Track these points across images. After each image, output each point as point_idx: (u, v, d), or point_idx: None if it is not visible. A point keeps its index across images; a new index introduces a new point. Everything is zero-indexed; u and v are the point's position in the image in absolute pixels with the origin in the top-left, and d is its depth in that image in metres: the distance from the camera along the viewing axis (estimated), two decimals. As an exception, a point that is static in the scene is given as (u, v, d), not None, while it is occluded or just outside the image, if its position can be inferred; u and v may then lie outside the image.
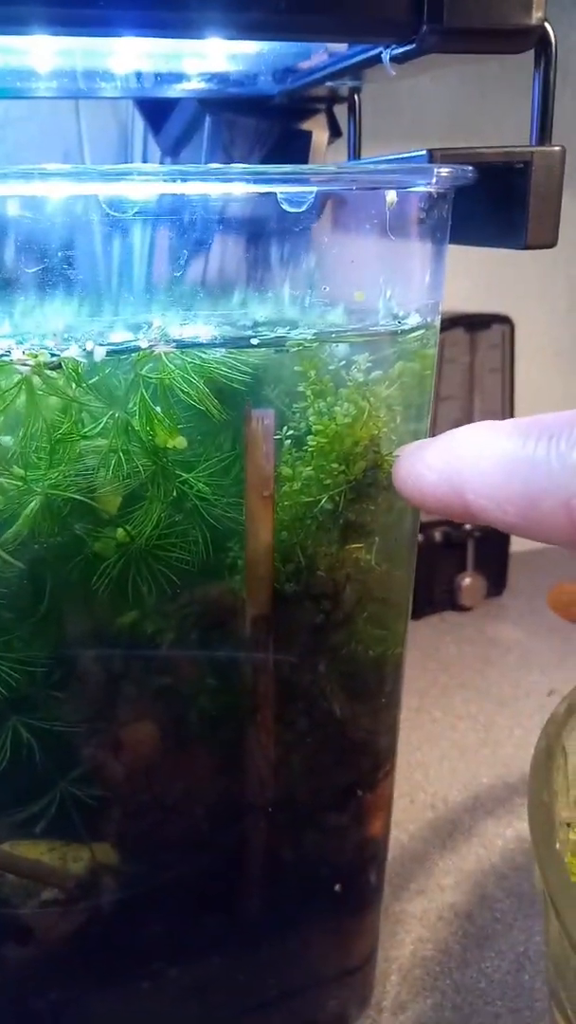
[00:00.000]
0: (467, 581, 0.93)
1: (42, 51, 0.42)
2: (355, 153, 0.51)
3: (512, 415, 0.93)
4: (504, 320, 0.90)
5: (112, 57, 0.43)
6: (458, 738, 0.73)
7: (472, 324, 0.88)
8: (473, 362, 0.88)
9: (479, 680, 0.82)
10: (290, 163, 0.55)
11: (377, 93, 0.50)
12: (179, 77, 0.46)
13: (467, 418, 0.89)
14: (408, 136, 0.91)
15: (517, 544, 1.01)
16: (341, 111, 0.55)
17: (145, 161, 0.71)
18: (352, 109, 0.51)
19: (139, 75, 0.46)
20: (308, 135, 0.54)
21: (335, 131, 0.55)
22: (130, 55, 0.43)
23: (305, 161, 0.54)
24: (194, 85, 0.48)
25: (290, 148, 0.54)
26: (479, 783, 0.67)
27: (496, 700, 0.78)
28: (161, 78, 0.46)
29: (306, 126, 0.54)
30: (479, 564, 0.94)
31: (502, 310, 0.90)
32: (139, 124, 0.71)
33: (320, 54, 0.42)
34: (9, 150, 0.79)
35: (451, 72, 0.87)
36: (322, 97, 0.52)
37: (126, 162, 0.77)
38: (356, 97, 0.50)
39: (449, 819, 0.63)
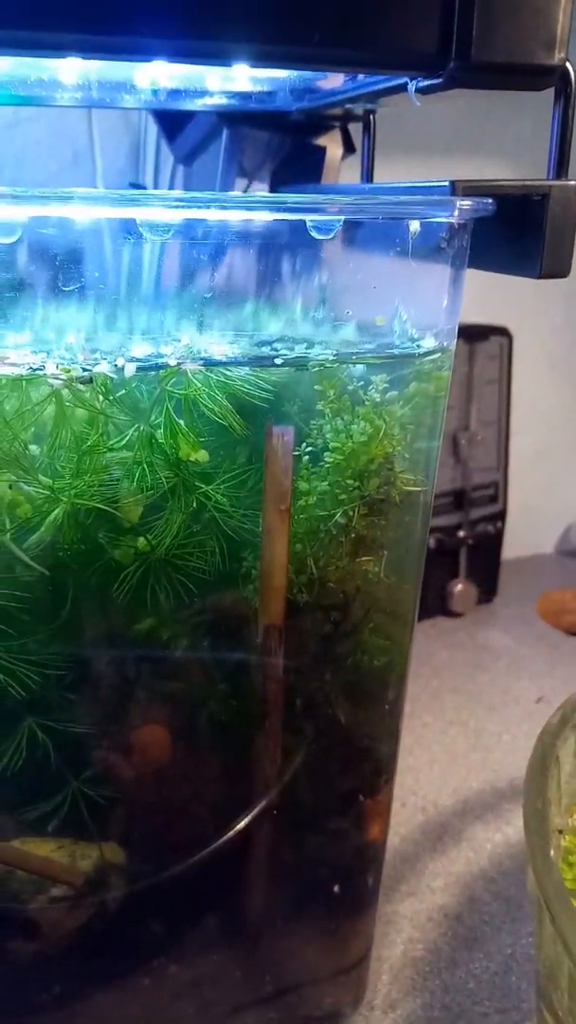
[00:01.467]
0: (459, 587, 0.95)
1: (67, 65, 0.43)
2: (368, 171, 0.52)
3: (508, 425, 0.95)
4: (503, 332, 0.91)
5: (137, 72, 0.44)
6: (448, 743, 0.74)
7: (471, 335, 0.89)
8: (471, 373, 0.89)
9: (470, 686, 0.83)
10: (304, 177, 0.56)
11: (381, 105, 0.51)
12: (202, 93, 0.47)
13: (464, 428, 0.90)
14: (412, 149, 0.92)
15: (508, 552, 1.02)
16: (355, 127, 0.56)
17: (157, 168, 0.72)
18: (367, 127, 0.52)
19: (162, 89, 0.47)
20: (322, 151, 0.55)
21: (349, 147, 0.56)
22: (156, 72, 0.43)
23: (319, 176, 0.55)
24: (215, 101, 0.49)
25: (304, 163, 0.55)
26: (469, 788, 0.68)
27: (486, 706, 0.80)
28: (183, 93, 0.47)
29: (321, 142, 0.55)
30: (471, 571, 0.95)
31: (501, 322, 0.92)
32: (152, 130, 0.72)
33: (339, 76, 0.43)
34: (17, 151, 0.80)
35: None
36: (337, 114, 0.53)
37: (137, 167, 0.77)
38: (371, 116, 0.51)
39: (439, 823, 0.64)
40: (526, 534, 1.13)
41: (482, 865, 0.60)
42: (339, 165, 0.56)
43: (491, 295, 0.95)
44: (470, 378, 0.90)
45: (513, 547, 1.07)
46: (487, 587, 0.98)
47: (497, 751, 0.73)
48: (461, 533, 0.93)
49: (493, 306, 0.94)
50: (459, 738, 0.75)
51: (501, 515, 0.97)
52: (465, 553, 0.94)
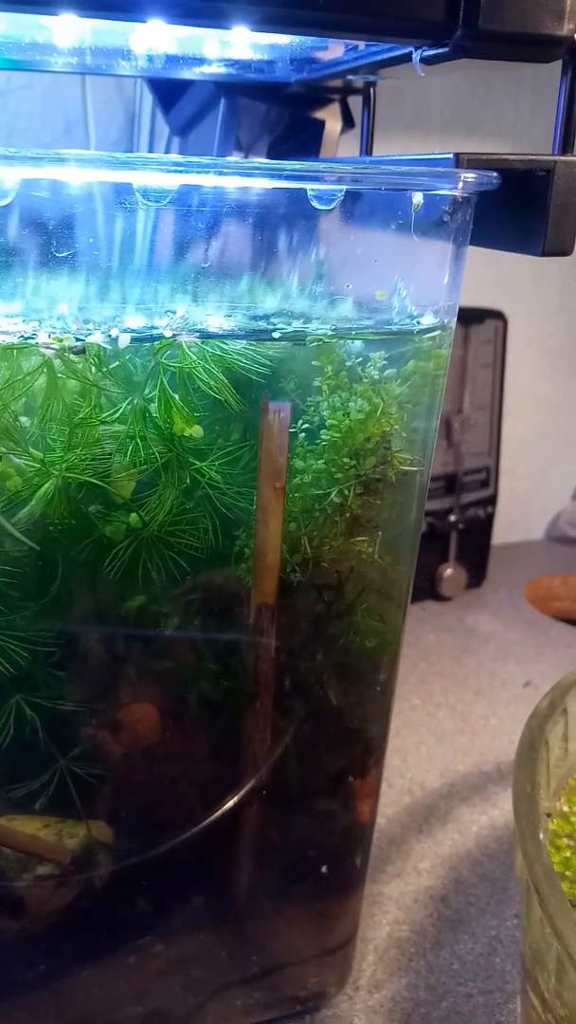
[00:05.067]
0: (448, 572, 0.94)
1: (65, 27, 0.42)
2: (368, 145, 0.51)
3: (501, 410, 0.94)
4: (497, 315, 0.91)
5: (134, 37, 0.43)
6: (436, 725, 0.74)
7: (466, 318, 0.88)
8: (466, 356, 0.89)
9: (457, 669, 0.83)
10: (302, 151, 0.55)
11: (383, 77, 0.50)
12: (200, 60, 0.46)
13: (457, 411, 0.90)
14: (410, 127, 0.91)
15: (498, 537, 1.02)
16: (353, 103, 0.55)
17: (152, 139, 0.70)
18: (367, 101, 0.51)
19: (159, 56, 0.46)
20: (321, 124, 0.54)
21: (348, 122, 0.55)
22: (153, 37, 0.42)
23: (317, 150, 0.54)
24: (213, 69, 0.47)
25: (302, 136, 0.54)
26: (455, 770, 0.68)
27: (473, 689, 0.80)
28: (181, 60, 0.46)
29: (319, 115, 0.54)
30: (461, 555, 0.95)
31: (496, 306, 0.91)
32: (147, 100, 0.70)
33: (340, 46, 0.42)
34: (9, 119, 0.78)
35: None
36: (337, 87, 0.52)
37: (132, 138, 0.76)
38: (371, 89, 0.50)
39: (426, 804, 0.65)
40: (516, 520, 1.13)
41: (468, 847, 0.61)
42: (338, 139, 0.55)
43: (487, 278, 0.95)
44: (464, 361, 0.89)
45: (503, 532, 1.07)
46: (476, 572, 0.98)
47: (484, 734, 0.73)
48: (452, 517, 0.93)
49: (489, 289, 0.94)
50: (446, 721, 0.75)
51: (492, 500, 0.97)
52: (455, 537, 0.94)
